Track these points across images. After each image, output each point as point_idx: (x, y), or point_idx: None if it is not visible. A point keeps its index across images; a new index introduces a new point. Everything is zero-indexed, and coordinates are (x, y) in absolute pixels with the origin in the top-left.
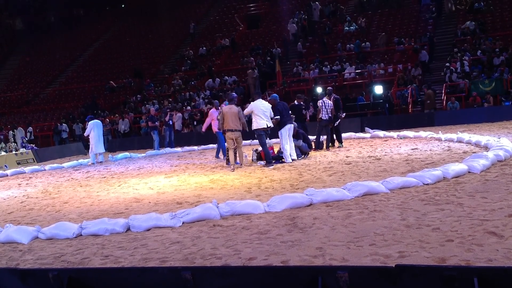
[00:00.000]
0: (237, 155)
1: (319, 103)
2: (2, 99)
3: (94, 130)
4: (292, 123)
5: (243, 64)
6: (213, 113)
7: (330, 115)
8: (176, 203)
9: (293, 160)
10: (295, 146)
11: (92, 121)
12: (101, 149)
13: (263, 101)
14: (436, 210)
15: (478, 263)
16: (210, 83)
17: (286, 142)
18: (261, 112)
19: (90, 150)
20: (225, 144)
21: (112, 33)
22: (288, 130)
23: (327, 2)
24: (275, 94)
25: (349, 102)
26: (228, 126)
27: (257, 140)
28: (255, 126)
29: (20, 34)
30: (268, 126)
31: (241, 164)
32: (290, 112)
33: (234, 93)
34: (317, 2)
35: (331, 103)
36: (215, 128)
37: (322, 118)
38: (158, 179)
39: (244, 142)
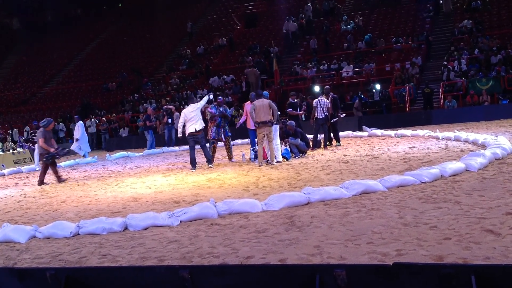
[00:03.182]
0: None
1: (314, 102)
2: None
3: (81, 130)
4: (273, 124)
5: (241, 63)
6: (246, 106)
7: (327, 113)
8: (174, 202)
9: (278, 162)
10: (293, 144)
11: (80, 122)
12: (89, 148)
13: (192, 105)
14: (433, 208)
15: (475, 261)
16: (215, 81)
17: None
18: (189, 117)
19: (79, 150)
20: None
21: (109, 32)
22: (273, 131)
23: None
24: (265, 92)
25: (345, 102)
26: (259, 118)
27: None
28: (186, 133)
29: (17, 33)
30: (197, 130)
31: (272, 161)
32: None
33: (259, 91)
34: (309, 4)
35: (328, 101)
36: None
37: (318, 117)
38: (155, 178)
39: (242, 141)
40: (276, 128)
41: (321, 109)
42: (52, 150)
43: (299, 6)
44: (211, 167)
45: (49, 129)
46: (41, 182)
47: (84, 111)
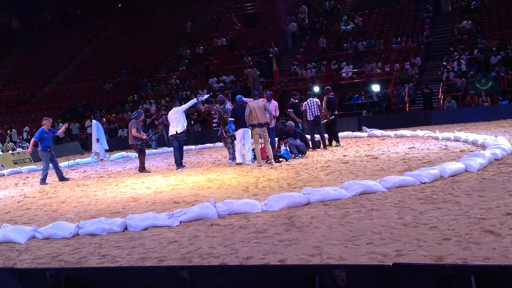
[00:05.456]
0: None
1: (304, 105)
2: None
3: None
4: (248, 128)
5: (240, 63)
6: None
7: (318, 114)
8: (173, 202)
9: (239, 163)
10: (293, 145)
11: (94, 121)
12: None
13: (174, 109)
14: (433, 209)
15: (475, 262)
16: (214, 82)
17: (239, 142)
18: (172, 119)
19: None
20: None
21: (109, 32)
22: (243, 133)
23: None
24: (238, 96)
25: (346, 102)
26: (256, 120)
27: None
28: (169, 134)
29: (16, 33)
30: (178, 132)
31: (270, 161)
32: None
33: (255, 91)
34: (304, 6)
35: (318, 101)
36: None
37: (308, 119)
38: (155, 179)
39: None
40: (245, 131)
41: (310, 111)
42: (144, 137)
43: (298, 7)
44: (179, 170)
45: (139, 120)
46: (142, 169)
47: (73, 116)
